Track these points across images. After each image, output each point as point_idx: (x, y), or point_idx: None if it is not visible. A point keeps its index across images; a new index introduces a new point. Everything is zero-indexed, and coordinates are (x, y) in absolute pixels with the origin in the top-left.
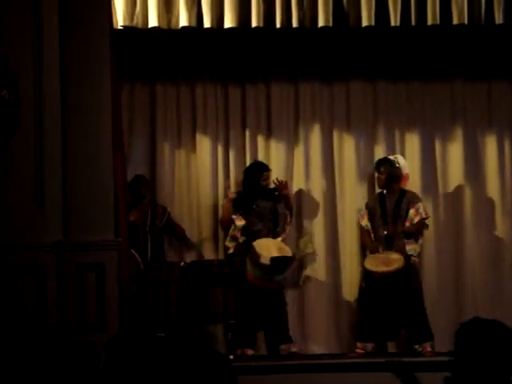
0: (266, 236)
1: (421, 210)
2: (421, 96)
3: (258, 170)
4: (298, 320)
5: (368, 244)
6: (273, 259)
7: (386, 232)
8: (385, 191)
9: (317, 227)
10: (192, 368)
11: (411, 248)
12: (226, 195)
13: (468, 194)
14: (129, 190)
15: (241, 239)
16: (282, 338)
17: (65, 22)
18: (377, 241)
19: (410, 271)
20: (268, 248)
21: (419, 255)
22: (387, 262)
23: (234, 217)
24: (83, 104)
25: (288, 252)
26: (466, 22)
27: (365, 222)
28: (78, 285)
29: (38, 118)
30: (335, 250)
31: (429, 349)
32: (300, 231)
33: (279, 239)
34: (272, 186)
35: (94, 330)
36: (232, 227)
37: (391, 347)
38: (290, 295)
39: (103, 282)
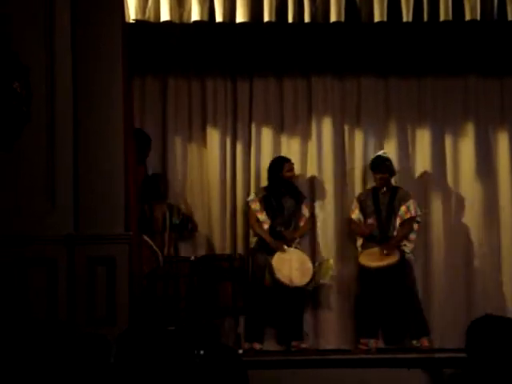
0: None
1: (411, 209)
2: (432, 92)
3: (280, 162)
4: (310, 316)
5: (360, 231)
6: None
7: (378, 229)
8: (384, 189)
9: (328, 221)
10: (202, 362)
11: (405, 246)
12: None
13: (479, 190)
14: (147, 188)
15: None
16: (295, 334)
17: (77, 16)
18: (371, 236)
19: (405, 267)
20: (289, 264)
21: (426, 250)
22: (381, 257)
23: (259, 216)
24: (95, 98)
25: (308, 274)
26: (478, 17)
27: (356, 215)
28: (88, 278)
29: (49, 111)
30: (346, 245)
31: (426, 344)
32: (313, 225)
33: (300, 252)
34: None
35: (103, 324)
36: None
37: (383, 342)
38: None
39: (113, 275)
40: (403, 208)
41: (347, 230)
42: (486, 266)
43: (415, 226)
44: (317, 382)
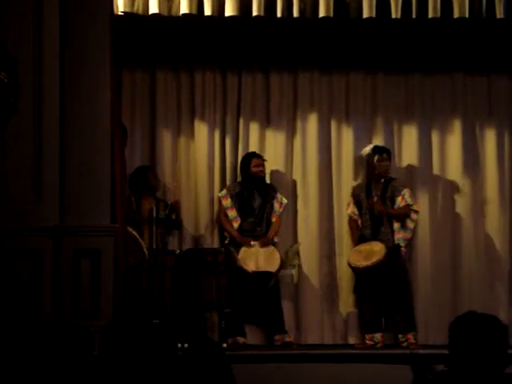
0: (258, 234)
1: (406, 197)
2: (420, 89)
3: (247, 158)
4: (292, 311)
5: (354, 232)
6: (255, 272)
7: (371, 222)
8: (382, 180)
9: (313, 217)
10: (186, 356)
11: (399, 237)
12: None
13: (466, 186)
14: (135, 180)
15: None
16: (276, 328)
17: (65, 6)
18: (364, 229)
19: (398, 261)
20: (256, 257)
21: (413, 246)
22: (368, 255)
23: (229, 213)
24: (82, 89)
25: (275, 264)
26: (466, 15)
27: (350, 210)
28: (73, 270)
29: (36, 102)
30: (331, 240)
31: (412, 340)
32: (295, 221)
33: (270, 246)
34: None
35: (88, 316)
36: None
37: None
38: (284, 286)
39: (98, 267)
40: (399, 199)
41: (330, 226)
42: (473, 260)
43: (413, 215)
44: (301, 377)
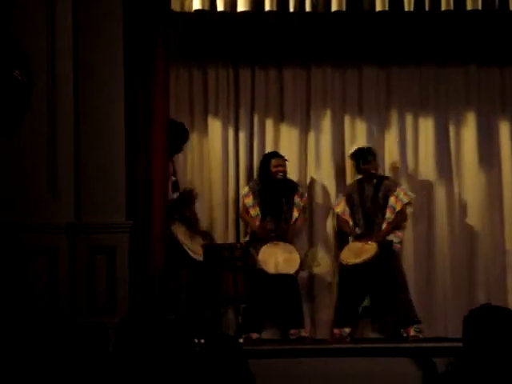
0: (277, 234)
1: (401, 197)
2: (434, 81)
3: (267, 158)
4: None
5: (350, 230)
6: (275, 275)
7: (365, 221)
8: (374, 181)
9: (326, 214)
10: (202, 351)
11: (393, 235)
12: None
13: (482, 178)
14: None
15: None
16: (293, 322)
17: (77, 3)
18: (356, 227)
19: (391, 258)
20: (275, 256)
21: (430, 240)
22: (359, 252)
23: (251, 211)
24: (96, 86)
25: (294, 265)
26: (479, 7)
27: (340, 208)
28: (89, 267)
29: (51, 99)
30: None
31: (412, 333)
32: (311, 216)
33: (290, 246)
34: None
35: (104, 312)
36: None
37: (373, 332)
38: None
39: (114, 264)
40: (392, 199)
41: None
42: (489, 255)
43: (409, 210)
44: (320, 372)
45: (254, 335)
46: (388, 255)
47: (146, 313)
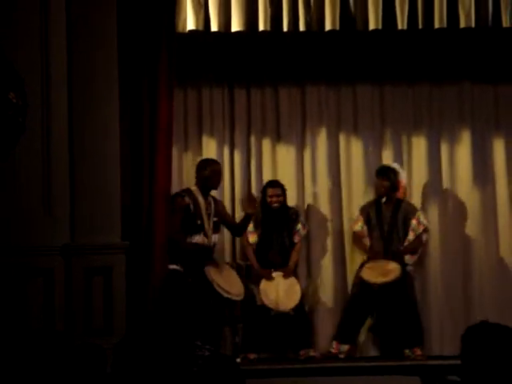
0: (280, 263)
1: (421, 219)
2: (428, 99)
3: (264, 187)
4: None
5: (366, 249)
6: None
7: (382, 241)
8: (384, 199)
9: (323, 235)
10: (200, 371)
11: (408, 258)
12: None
13: (476, 197)
14: None
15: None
16: (302, 343)
17: (73, 26)
18: (374, 247)
19: (406, 280)
20: (276, 288)
21: (424, 257)
22: (384, 272)
23: (250, 239)
24: (91, 107)
25: (295, 298)
26: (473, 25)
27: (359, 226)
28: (85, 288)
29: (45, 121)
30: (342, 255)
31: (419, 353)
32: (308, 236)
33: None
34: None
35: (101, 333)
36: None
37: (374, 351)
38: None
39: (110, 285)
40: (414, 222)
41: (342, 244)
42: (484, 272)
43: (425, 236)
44: None
45: (252, 355)
46: (403, 278)
47: (144, 334)
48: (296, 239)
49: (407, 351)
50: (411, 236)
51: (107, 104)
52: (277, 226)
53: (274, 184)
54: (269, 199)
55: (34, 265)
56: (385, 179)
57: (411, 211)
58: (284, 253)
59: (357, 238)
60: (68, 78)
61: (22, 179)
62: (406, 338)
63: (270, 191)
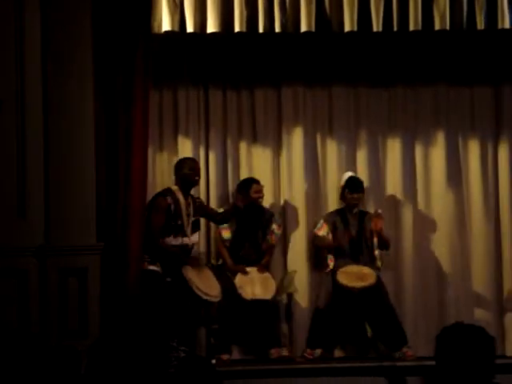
0: (253, 260)
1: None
2: (403, 101)
3: (248, 183)
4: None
5: (331, 243)
6: (252, 300)
7: (351, 251)
8: (356, 209)
9: (300, 236)
10: (176, 373)
11: (379, 261)
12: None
13: (450, 199)
14: None
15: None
16: (272, 342)
17: (48, 24)
18: (342, 256)
19: (380, 284)
20: (251, 282)
21: (397, 256)
22: (362, 276)
23: (223, 235)
24: (65, 110)
25: (271, 290)
26: (447, 27)
27: (324, 232)
28: (60, 289)
29: (19, 122)
30: (317, 260)
31: (410, 353)
32: (284, 237)
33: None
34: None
35: (76, 335)
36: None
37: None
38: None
39: (85, 286)
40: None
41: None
42: (458, 275)
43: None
44: None
45: (225, 356)
46: (377, 282)
47: (118, 335)
48: (273, 239)
49: (397, 354)
50: (375, 240)
51: (82, 105)
52: (252, 224)
53: (257, 180)
54: (255, 195)
55: (8, 266)
56: (360, 192)
57: (371, 217)
58: (257, 250)
59: (320, 238)
60: (43, 78)
61: None
62: (394, 339)
63: (255, 187)
